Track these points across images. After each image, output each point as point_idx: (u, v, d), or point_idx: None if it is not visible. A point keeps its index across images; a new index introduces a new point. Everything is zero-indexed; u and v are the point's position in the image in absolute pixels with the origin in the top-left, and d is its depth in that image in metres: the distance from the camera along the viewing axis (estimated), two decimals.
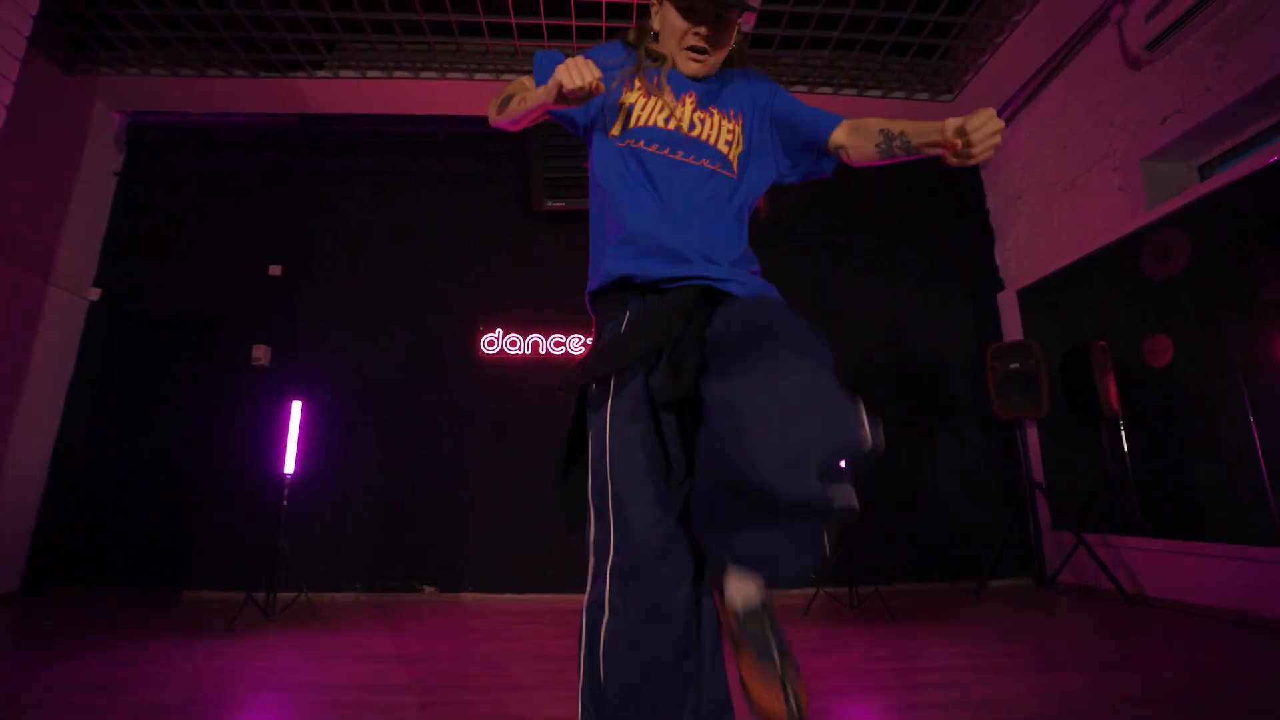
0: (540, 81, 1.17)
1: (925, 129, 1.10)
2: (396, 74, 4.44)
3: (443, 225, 4.85)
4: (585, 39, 4.13)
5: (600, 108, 1.23)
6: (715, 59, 1.23)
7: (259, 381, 4.48)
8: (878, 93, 4.66)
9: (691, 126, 1.20)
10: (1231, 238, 3.16)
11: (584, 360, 1.10)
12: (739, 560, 0.93)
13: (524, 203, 4.87)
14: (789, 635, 0.95)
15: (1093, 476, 4.00)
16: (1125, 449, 3.81)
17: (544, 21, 4.00)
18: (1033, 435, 4.52)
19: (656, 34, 1.28)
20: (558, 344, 4.62)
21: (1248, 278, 3.07)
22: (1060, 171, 4.41)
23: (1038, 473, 4.44)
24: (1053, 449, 4.41)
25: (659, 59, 1.26)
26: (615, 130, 1.20)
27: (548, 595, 4.17)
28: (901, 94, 4.68)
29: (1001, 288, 5.00)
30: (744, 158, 1.24)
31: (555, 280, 4.72)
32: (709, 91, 1.26)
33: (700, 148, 1.19)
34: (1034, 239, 4.68)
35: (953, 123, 1.03)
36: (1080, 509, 4.00)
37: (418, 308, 4.66)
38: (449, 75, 4.44)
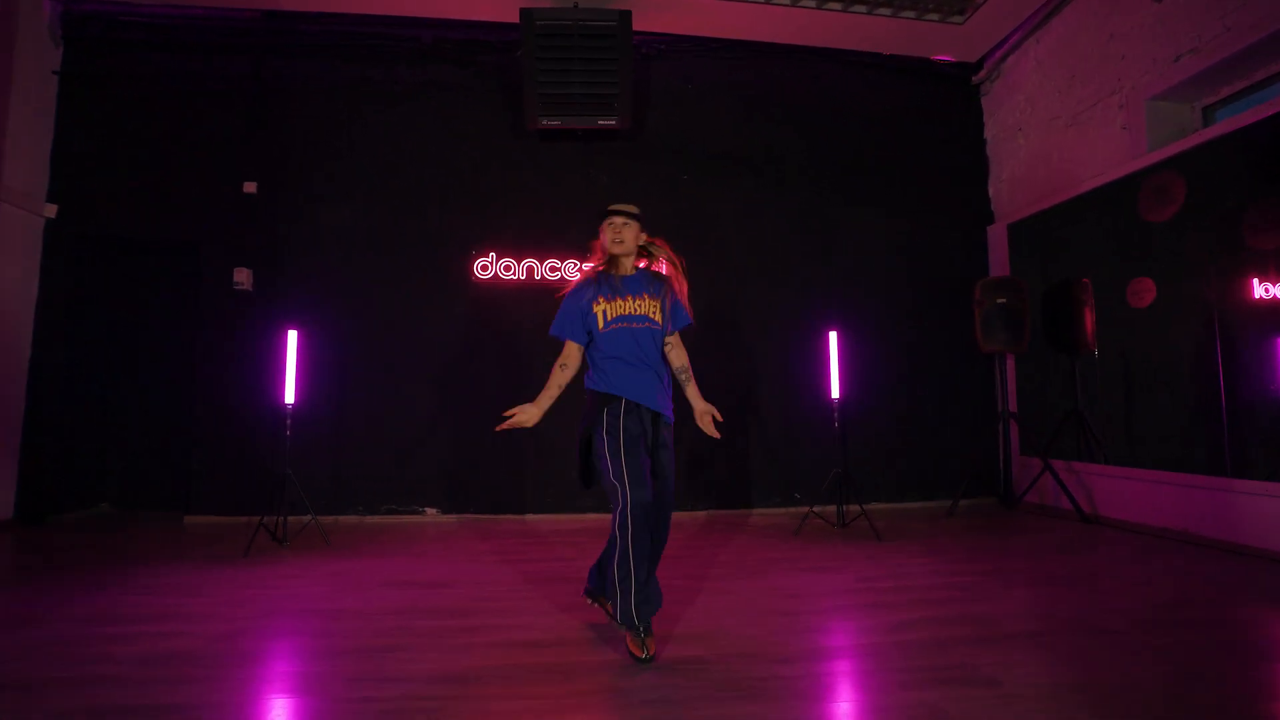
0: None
1: (692, 393, 2.14)
2: None
3: (428, 142, 4.59)
4: None
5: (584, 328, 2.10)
6: (629, 245, 2.10)
7: (244, 306, 4.33)
8: (887, 11, 4.47)
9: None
10: (1227, 184, 3.24)
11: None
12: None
13: (515, 120, 4.63)
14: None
15: (1063, 407, 4.27)
16: (1097, 383, 4.05)
17: None
18: (1010, 366, 4.74)
19: (606, 262, 2.15)
20: (553, 269, 4.55)
21: (1236, 225, 3.18)
22: (1064, 105, 4.38)
23: (1013, 403, 4.69)
24: (1028, 380, 4.65)
25: (611, 272, 2.12)
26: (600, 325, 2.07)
27: (551, 515, 4.35)
28: (911, 13, 4.50)
29: (992, 221, 5.06)
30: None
31: (548, 202, 4.60)
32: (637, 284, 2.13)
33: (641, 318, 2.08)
34: (1031, 173, 4.70)
35: (702, 410, 2.08)
36: (1049, 437, 4.30)
37: (406, 230, 4.49)
38: None
